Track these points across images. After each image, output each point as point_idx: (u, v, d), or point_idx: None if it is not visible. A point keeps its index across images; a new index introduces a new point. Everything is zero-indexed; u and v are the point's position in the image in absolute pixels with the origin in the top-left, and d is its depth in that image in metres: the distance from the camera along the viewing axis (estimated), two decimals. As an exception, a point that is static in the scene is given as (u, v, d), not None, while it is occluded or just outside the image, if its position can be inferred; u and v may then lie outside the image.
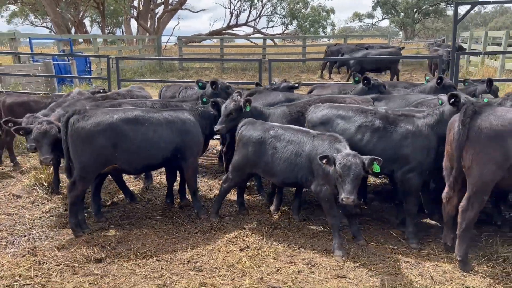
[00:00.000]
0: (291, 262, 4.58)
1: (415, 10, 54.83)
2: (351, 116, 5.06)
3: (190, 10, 36.76)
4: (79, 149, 4.90)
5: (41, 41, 25.25)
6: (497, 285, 4.09)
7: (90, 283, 4.23)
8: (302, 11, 45.83)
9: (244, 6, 42.62)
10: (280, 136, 5.08)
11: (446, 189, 4.49)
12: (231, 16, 43.17)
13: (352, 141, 4.86)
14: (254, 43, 36.41)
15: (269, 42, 40.21)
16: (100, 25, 43.06)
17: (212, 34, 41.32)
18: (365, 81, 6.52)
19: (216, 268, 4.49)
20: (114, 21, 45.27)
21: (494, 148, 4.02)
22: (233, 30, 43.83)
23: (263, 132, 5.22)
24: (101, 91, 7.01)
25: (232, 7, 42.19)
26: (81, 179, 5.00)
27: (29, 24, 54.82)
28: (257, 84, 7.62)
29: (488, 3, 6.78)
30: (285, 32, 45.94)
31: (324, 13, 45.72)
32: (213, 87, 6.66)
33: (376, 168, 4.26)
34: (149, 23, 34.92)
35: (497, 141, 4.01)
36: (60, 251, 4.81)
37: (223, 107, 5.61)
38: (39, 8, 43.96)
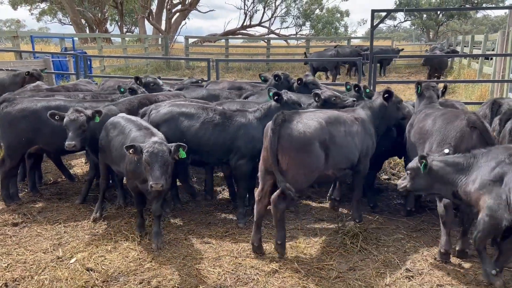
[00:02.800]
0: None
1: (438, 12, 54.20)
2: (194, 113, 5.47)
3: (198, 11, 37.73)
4: (6, 131, 5.81)
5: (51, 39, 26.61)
6: (336, 251, 4.79)
7: (-1, 240, 5.14)
8: (317, 12, 46.33)
9: (257, 7, 43.46)
10: (116, 125, 5.32)
11: (259, 189, 4.83)
12: (245, 16, 44.10)
13: (197, 136, 5.39)
14: (265, 41, 36.94)
15: (281, 42, 41.16)
16: (119, 24, 44.84)
17: (227, 34, 42.35)
18: (276, 78, 7.29)
19: (108, 234, 5.32)
20: (133, 20, 46.77)
21: (305, 153, 4.53)
22: (247, 31, 44.76)
23: (111, 120, 5.52)
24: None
25: (246, 8, 43.08)
26: (8, 157, 5.92)
27: (57, 22, 57.01)
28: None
29: (401, 11, 7.21)
30: (299, 33, 46.55)
31: (338, 15, 46.08)
32: (137, 82, 7.36)
33: (182, 154, 4.53)
34: (163, 23, 36.26)
35: (306, 146, 4.53)
36: (-13, 216, 5.75)
37: (69, 121, 5.43)
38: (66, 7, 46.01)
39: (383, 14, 8.21)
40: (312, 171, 4.65)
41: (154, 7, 37.59)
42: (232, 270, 4.48)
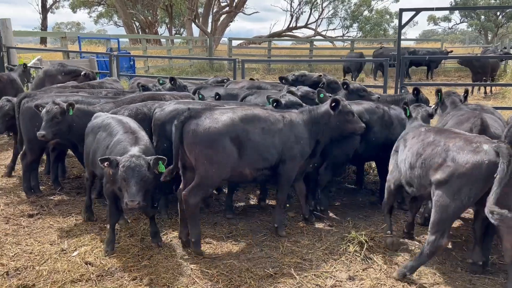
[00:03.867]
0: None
1: (498, 13, 51.50)
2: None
3: (244, 13, 38.00)
4: (27, 125, 6.05)
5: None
6: (339, 258, 4.59)
7: (13, 230, 5.33)
8: (365, 13, 45.42)
9: (304, 9, 43.22)
10: (106, 127, 4.97)
11: (181, 186, 4.83)
12: (291, 18, 43.97)
13: None
14: (310, 44, 36.63)
15: (327, 44, 40.69)
16: (168, 26, 46.07)
17: (273, 36, 42.41)
18: (283, 80, 7.14)
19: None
20: (182, 22, 47.89)
21: (212, 148, 4.45)
22: (293, 32, 44.59)
23: (95, 122, 5.24)
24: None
25: (292, 9, 42.95)
26: (29, 151, 6.16)
27: (113, 24, 59.48)
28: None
29: (432, 9, 6.79)
30: (345, 34, 45.85)
31: (387, 16, 44.93)
32: (172, 82, 7.44)
33: (162, 168, 4.28)
34: (209, 25, 36.88)
35: (213, 142, 4.45)
36: (6, 206, 5.99)
37: (44, 112, 5.49)
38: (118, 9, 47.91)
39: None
40: (222, 167, 4.56)
41: (201, 10, 38.38)
42: (227, 272, 4.39)
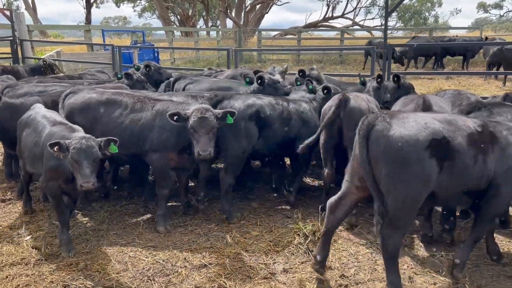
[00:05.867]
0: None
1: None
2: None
3: (275, 4, 37.61)
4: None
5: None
6: (281, 250, 4.43)
7: (-13, 212, 5.56)
8: (406, 1, 43.75)
9: (340, -2, 42.29)
10: (31, 123, 4.81)
11: None
12: (328, 8, 43.17)
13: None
14: (347, 33, 35.73)
15: (365, 34, 39.58)
16: (205, 18, 46.48)
17: (308, 26, 41.79)
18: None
19: (77, 217, 5.49)
20: (217, 14, 48.19)
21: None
22: (329, 23, 43.72)
23: (24, 117, 5.06)
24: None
25: (328, -1, 42.12)
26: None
27: (156, 18, 60.80)
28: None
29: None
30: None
31: (429, 4, 43.09)
32: (147, 69, 7.54)
33: (114, 149, 4.22)
34: (243, 16, 36.84)
35: (72, 116, 5.10)
36: (-16, 191, 6.25)
37: None
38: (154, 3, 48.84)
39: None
40: None
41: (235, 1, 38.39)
42: (163, 260, 4.36)
